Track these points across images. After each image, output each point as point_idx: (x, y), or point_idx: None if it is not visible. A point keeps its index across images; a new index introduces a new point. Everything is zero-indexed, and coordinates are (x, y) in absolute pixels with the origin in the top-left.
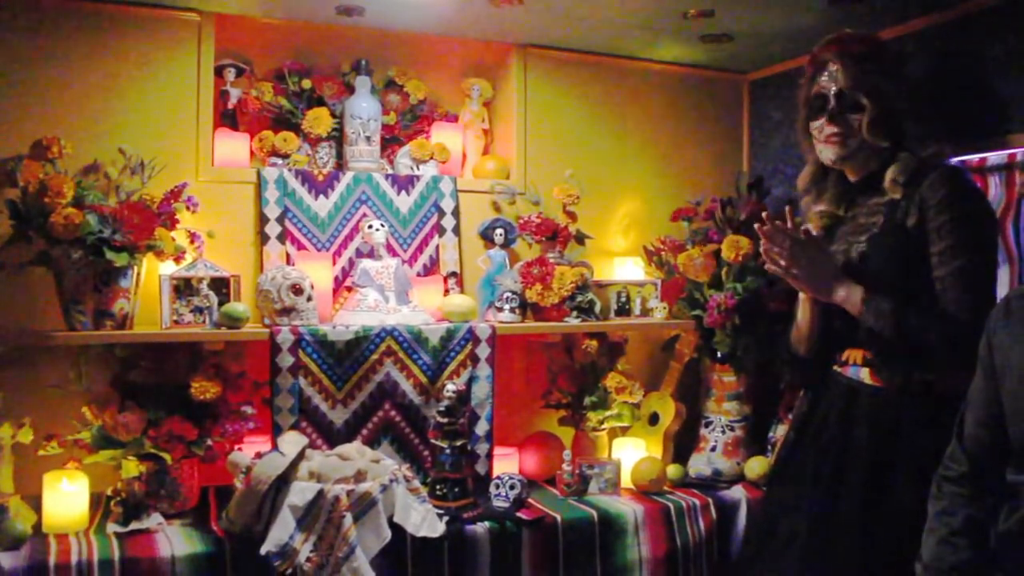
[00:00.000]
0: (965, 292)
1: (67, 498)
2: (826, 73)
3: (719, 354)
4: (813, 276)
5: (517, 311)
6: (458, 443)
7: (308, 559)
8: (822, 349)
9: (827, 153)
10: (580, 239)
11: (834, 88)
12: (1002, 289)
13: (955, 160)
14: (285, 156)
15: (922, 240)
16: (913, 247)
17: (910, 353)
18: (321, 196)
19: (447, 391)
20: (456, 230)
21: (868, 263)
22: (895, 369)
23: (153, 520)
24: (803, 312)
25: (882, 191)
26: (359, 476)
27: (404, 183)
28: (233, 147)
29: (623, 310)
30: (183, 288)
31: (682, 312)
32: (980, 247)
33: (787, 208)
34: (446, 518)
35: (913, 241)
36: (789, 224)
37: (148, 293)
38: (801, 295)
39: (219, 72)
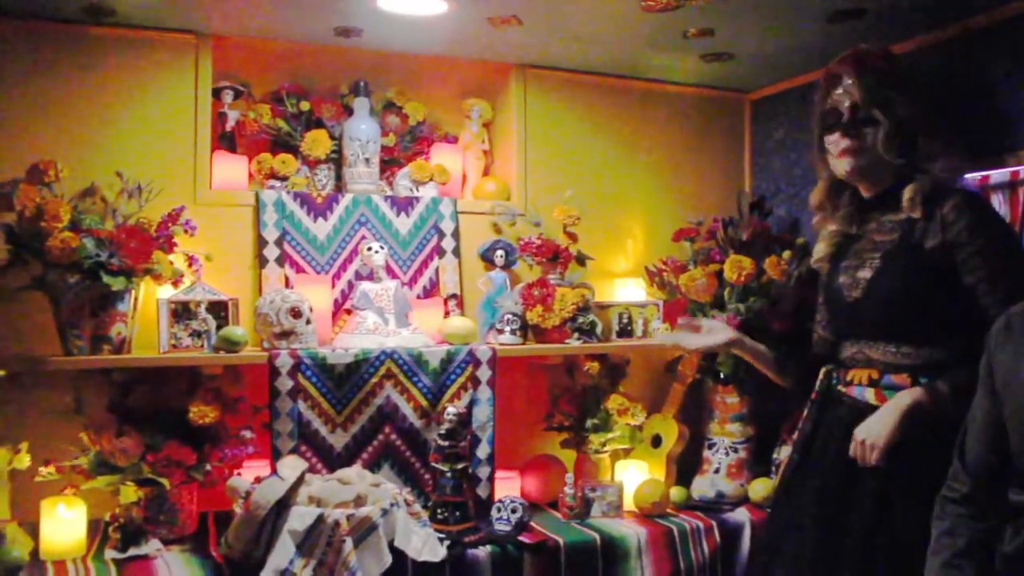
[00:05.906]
0: None
1: (65, 524)
2: (840, 87)
3: (722, 375)
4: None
5: (518, 333)
6: (459, 466)
7: None
8: (803, 376)
9: (841, 167)
10: (581, 260)
11: (848, 101)
12: None
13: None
14: (283, 178)
15: (939, 262)
16: (928, 267)
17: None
18: (320, 218)
19: (448, 414)
20: (456, 252)
21: (881, 280)
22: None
23: (152, 546)
24: (758, 366)
25: (897, 209)
26: (359, 500)
27: (403, 205)
28: (231, 169)
29: (625, 331)
30: (181, 312)
31: None
32: (1019, 268)
33: None
34: (447, 542)
35: (929, 261)
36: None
37: (146, 317)
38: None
39: (216, 94)
